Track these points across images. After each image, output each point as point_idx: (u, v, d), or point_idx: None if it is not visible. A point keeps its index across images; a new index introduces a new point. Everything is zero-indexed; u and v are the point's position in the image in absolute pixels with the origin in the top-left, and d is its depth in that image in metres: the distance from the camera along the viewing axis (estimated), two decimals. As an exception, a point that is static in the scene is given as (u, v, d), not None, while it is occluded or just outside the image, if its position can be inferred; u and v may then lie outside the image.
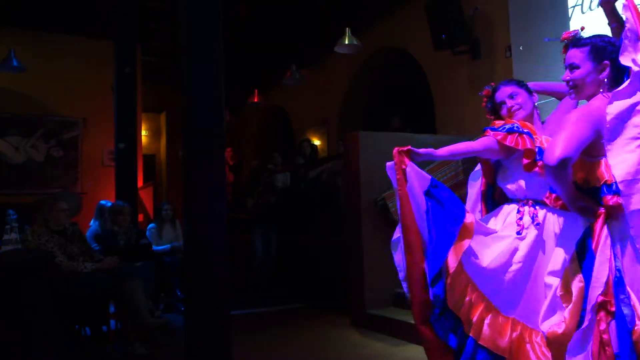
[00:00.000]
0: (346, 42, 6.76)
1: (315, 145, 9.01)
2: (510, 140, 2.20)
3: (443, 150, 2.30)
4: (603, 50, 2.09)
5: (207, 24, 3.16)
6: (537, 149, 2.17)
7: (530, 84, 2.53)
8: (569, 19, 4.91)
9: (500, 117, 2.44)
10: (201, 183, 3.09)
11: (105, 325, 4.46)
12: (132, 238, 4.91)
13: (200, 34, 3.15)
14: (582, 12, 4.79)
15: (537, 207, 2.21)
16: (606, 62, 2.06)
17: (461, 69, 6.41)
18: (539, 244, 2.17)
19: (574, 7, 4.88)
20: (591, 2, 4.71)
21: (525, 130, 2.23)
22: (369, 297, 4.66)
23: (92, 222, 5.59)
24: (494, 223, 2.33)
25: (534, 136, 2.23)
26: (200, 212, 3.06)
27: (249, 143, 12.96)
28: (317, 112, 9.88)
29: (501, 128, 2.27)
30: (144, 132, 12.24)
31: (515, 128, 2.24)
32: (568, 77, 2.21)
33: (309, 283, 5.44)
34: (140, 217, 7.35)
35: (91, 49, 8.90)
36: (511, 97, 2.41)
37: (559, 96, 2.55)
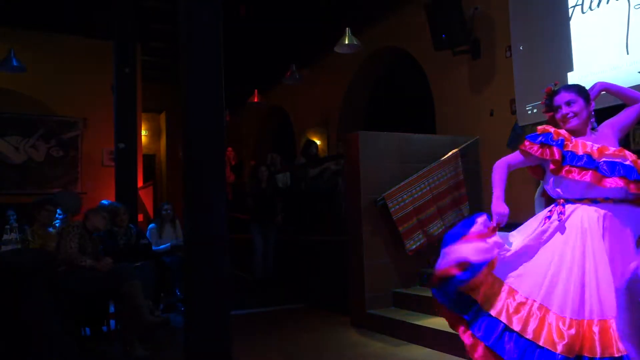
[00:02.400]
0: (346, 42, 6.75)
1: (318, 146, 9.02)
2: (536, 150, 2.49)
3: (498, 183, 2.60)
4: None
5: (207, 23, 3.16)
6: (567, 155, 2.42)
7: (605, 85, 2.70)
8: (569, 19, 4.91)
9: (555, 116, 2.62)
10: (201, 183, 3.09)
11: (105, 325, 4.46)
12: (131, 238, 4.91)
13: (200, 33, 3.15)
14: (582, 12, 4.79)
15: (566, 205, 2.46)
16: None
17: (461, 69, 6.41)
18: (560, 233, 2.42)
19: (574, 7, 4.88)
20: (591, 2, 4.71)
21: (554, 142, 2.47)
22: (369, 297, 4.66)
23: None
24: (533, 221, 2.57)
25: (567, 142, 2.47)
26: (200, 212, 3.06)
27: (248, 143, 12.96)
28: (317, 112, 9.88)
29: (534, 138, 2.53)
30: (144, 132, 12.24)
31: (545, 140, 2.49)
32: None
33: (309, 283, 5.44)
34: (140, 217, 7.35)
35: (91, 49, 8.90)
36: (568, 104, 2.56)
37: (630, 101, 2.68)
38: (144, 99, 9.58)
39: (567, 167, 2.39)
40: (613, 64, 4.49)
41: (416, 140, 5.06)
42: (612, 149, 2.43)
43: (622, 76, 4.40)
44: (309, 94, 10.07)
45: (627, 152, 2.43)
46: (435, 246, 4.86)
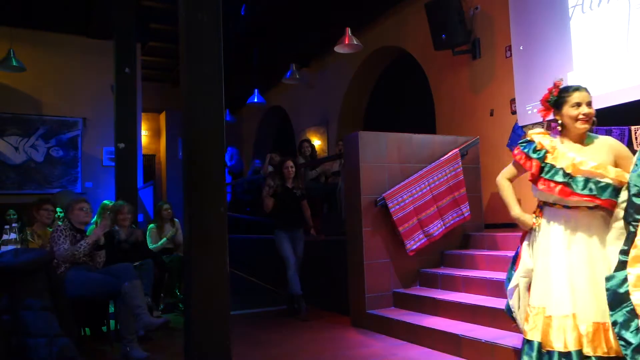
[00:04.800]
0: (346, 42, 6.75)
1: (314, 146, 8.99)
2: (523, 162, 2.65)
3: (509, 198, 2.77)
4: None
5: (207, 23, 3.16)
6: (545, 167, 2.55)
7: None
8: (569, 19, 4.91)
9: (556, 112, 2.63)
10: (201, 183, 3.09)
11: (105, 325, 4.46)
12: (132, 237, 4.91)
13: (200, 33, 3.15)
14: (583, 12, 4.79)
15: (544, 208, 2.64)
16: None
17: (461, 69, 6.41)
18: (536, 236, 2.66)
19: (574, 7, 4.88)
20: (591, 2, 4.71)
21: (535, 154, 2.60)
22: (369, 297, 4.66)
23: (92, 221, 5.60)
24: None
25: (549, 153, 2.56)
26: (200, 212, 3.05)
27: (249, 143, 12.96)
28: (317, 112, 9.88)
29: (520, 148, 2.68)
30: (144, 132, 12.24)
31: (528, 152, 2.63)
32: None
33: (309, 283, 5.43)
34: (140, 217, 7.35)
35: (91, 49, 8.91)
36: (589, 105, 2.56)
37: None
38: (144, 99, 9.58)
39: (541, 180, 2.55)
40: (613, 64, 4.49)
41: (416, 140, 5.06)
42: (590, 164, 2.46)
43: (622, 76, 4.40)
44: (309, 94, 10.08)
45: (610, 169, 2.46)
46: (436, 246, 4.89)
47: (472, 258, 4.69)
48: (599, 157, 2.50)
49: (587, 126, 2.54)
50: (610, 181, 2.42)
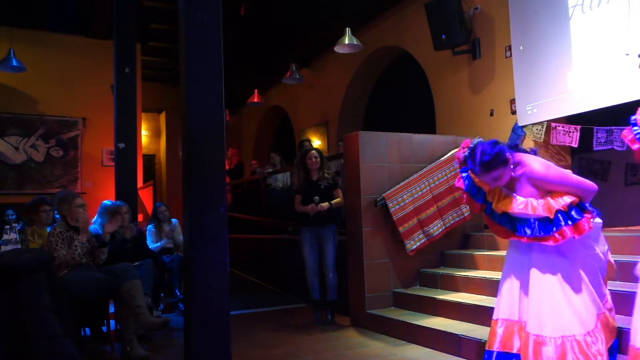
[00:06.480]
0: (346, 42, 6.76)
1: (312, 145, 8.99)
2: (466, 200, 2.89)
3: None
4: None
5: (207, 23, 3.16)
6: (488, 206, 2.73)
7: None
8: (569, 19, 4.91)
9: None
10: (201, 183, 3.09)
11: (105, 326, 4.46)
12: (131, 237, 4.90)
13: (200, 33, 3.15)
14: (582, 12, 4.79)
15: None
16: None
17: (461, 69, 6.41)
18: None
19: (574, 7, 4.88)
20: (591, 2, 4.71)
21: (475, 196, 2.78)
22: (369, 297, 4.66)
23: (92, 220, 5.59)
24: None
25: (488, 194, 2.73)
26: (200, 212, 3.05)
27: (249, 143, 12.96)
28: (317, 112, 9.88)
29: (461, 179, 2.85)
30: (144, 132, 12.25)
31: (470, 193, 2.80)
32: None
33: (308, 283, 5.42)
34: (140, 217, 7.35)
35: (91, 49, 8.91)
36: (495, 179, 2.63)
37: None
38: (144, 99, 9.58)
39: (487, 218, 2.77)
40: (613, 64, 4.49)
41: (416, 140, 5.06)
42: (514, 203, 2.60)
43: (622, 76, 4.40)
44: (309, 94, 10.07)
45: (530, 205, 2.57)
46: (436, 246, 4.89)
47: (472, 258, 4.69)
48: (526, 190, 2.63)
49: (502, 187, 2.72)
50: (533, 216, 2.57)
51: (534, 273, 2.53)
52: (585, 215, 2.44)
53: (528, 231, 2.52)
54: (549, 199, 2.51)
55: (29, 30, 8.45)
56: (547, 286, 2.48)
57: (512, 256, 2.71)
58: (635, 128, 2.37)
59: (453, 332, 3.70)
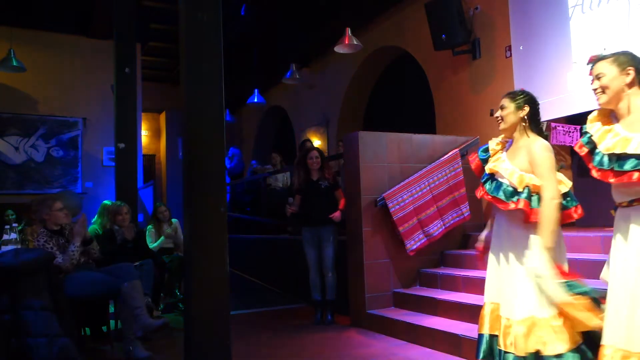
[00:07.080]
0: (346, 42, 6.75)
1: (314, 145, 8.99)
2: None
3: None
4: (627, 60, 2.24)
5: (207, 23, 3.16)
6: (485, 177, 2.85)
7: None
8: (569, 19, 4.91)
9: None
10: (201, 183, 3.09)
11: (105, 325, 4.46)
12: (131, 237, 4.91)
13: (200, 33, 3.15)
14: (582, 12, 4.79)
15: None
16: (630, 68, 2.21)
17: (461, 69, 6.41)
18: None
19: (574, 7, 4.88)
20: (591, 2, 4.71)
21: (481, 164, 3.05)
22: (369, 297, 4.66)
23: (92, 220, 5.60)
24: None
25: (496, 163, 2.86)
26: (200, 212, 3.05)
27: (249, 143, 12.97)
28: (317, 112, 9.88)
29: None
30: (144, 132, 12.25)
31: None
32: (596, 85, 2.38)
33: (310, 283, 5.42)
34: (140, 218, 7.35)
35: (91, 49, 8.91)
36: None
37: None
38: (144, 99, 9.58)
39: (481, 185, 2.83)
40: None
41: (416, 140, 5.06)
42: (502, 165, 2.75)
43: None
44: (309, 94, 10.07)
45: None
46: (436, 246, 4.89)
47: (472, 258, 4.69)
48: (517, 161, 2.69)
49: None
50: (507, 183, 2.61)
51: (505, 262, 2.61)
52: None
53: (490, 188, 2.67)
54: (523, 173, 2.60)
55: (29, 30, 8.45)
56: (516, 273, 2.54)
57: (494, 241, 2.73)
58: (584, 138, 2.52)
59: (453, 332, 3.70)
